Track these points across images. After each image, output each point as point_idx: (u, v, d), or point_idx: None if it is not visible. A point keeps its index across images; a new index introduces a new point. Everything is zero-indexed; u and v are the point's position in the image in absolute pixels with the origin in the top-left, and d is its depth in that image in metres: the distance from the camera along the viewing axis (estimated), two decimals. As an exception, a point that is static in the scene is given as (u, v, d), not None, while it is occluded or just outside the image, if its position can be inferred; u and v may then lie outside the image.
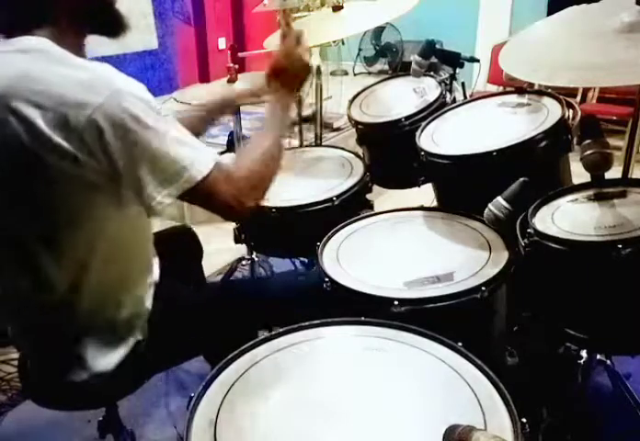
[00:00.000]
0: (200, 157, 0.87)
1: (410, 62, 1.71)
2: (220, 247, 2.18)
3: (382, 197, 2.23)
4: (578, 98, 3.98)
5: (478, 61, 1.76)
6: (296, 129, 2.49)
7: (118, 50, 5.43)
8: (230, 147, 2.07)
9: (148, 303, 1.07)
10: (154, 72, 6.13)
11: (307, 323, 0.99)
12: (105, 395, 1.08)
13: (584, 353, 1.38)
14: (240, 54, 2.01)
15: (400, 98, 1.76)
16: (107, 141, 0.79)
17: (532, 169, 1.24)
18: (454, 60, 1.68)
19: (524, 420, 0.75)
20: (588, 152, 1.16)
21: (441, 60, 1.70)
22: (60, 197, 0.84)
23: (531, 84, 1.83)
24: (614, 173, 1.24)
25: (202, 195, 0.88)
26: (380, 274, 1.17)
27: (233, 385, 0.86)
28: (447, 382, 0.84)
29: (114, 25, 0.96)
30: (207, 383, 0.86)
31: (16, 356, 1.14)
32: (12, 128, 0.79)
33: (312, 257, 1.57)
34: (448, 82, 1.69)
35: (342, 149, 1.86)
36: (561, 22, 1.32)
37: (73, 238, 0.89)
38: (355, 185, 1.57)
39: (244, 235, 1.66)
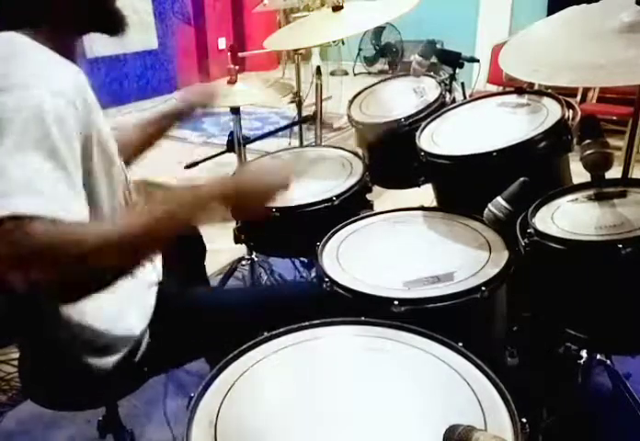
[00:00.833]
0: (16, 199, 0.69)
1: (410, 62, 1.71)
2: (220, 247, 2.17)
3: (382, 197, 2.23)
4: (578, 98, 3.99)
5: (478, 61, 1.76)
6: (296, 129, 2.49)
7: (118, 50, 5.44)
8: (230, 147, 2.07)
9: (151, 302, 1.07)
10: (154, 72, 6.14)
11: (307, 323, 0.98)
12: (105, 395, 1.08)
13: (584, 353, 1.38)
14: (240, 54, 2.01)
15: (400, 98, 1.76)
16: None
17: (532, 169, 1.24)
18: (454, 60, 1.68)
19: (524, 420, 0.74)
20: (588, 151, 1.16)
21: (442, 60, 1.71)
22: None
23: (531, 85, 1.83)
24: (614, 173, 1.24)
25: None
26: (380, 274, 1.16)
27: (233, 385, 0.86)
28: (447, 382, 0.84)
29: (114, 22, 0.96)
30: (207, 383, 0.86)
31: (16, 356, 1.14)
32: None
33: (312, 257, 1.57)
34: (448, 82, 1.69)
35: (342, 149, 1.85)
36: (561, 22, 1.32)
37: None
38: (355, 185, 1.56)
39: (244, 235, 1.66)
